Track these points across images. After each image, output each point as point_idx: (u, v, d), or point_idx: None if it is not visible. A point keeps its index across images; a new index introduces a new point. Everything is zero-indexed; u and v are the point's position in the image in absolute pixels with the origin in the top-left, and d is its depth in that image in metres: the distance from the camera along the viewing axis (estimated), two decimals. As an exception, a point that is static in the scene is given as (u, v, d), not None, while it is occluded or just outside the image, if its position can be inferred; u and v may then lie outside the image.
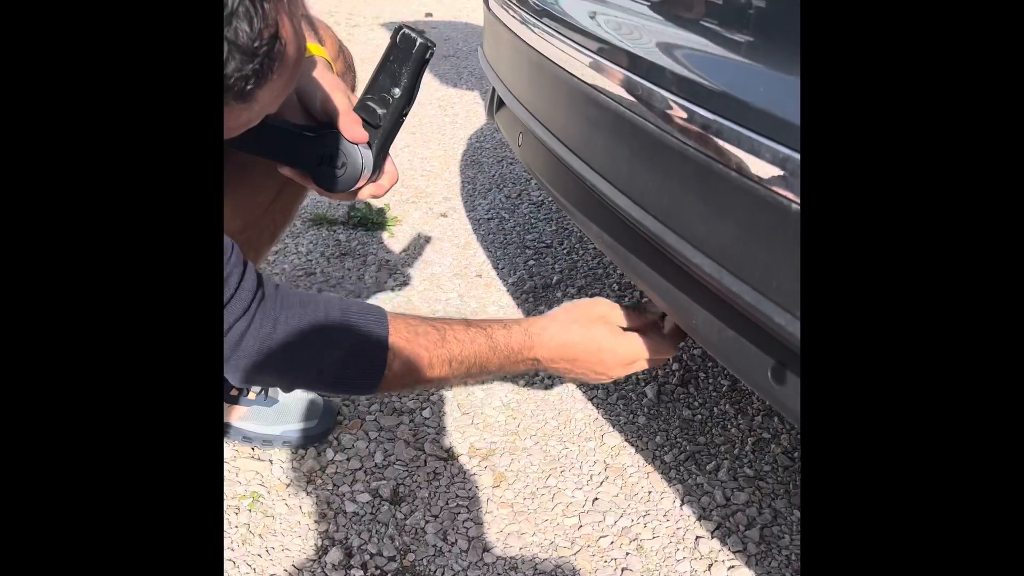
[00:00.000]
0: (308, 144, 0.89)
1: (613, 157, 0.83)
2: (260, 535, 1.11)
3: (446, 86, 3.14)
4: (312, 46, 0.96)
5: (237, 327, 0.80)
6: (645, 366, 1.01)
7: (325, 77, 0.93)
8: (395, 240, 1.94)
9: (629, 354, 0.98)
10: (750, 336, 0.69)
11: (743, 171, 0.64)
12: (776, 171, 0.60)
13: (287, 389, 0.91)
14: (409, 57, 0.87)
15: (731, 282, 0.66)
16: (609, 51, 0.84)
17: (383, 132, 0.90)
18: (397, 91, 0.88)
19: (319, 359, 0.85)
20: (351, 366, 0.86)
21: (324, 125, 0.90)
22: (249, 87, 0.64)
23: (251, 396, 1.25)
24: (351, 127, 0.89)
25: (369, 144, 0.90)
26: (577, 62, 0.89)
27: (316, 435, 1.26)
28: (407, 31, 0.87)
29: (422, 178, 2.31)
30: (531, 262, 1.85)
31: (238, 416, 1.24)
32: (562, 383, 1.43)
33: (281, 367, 0.83)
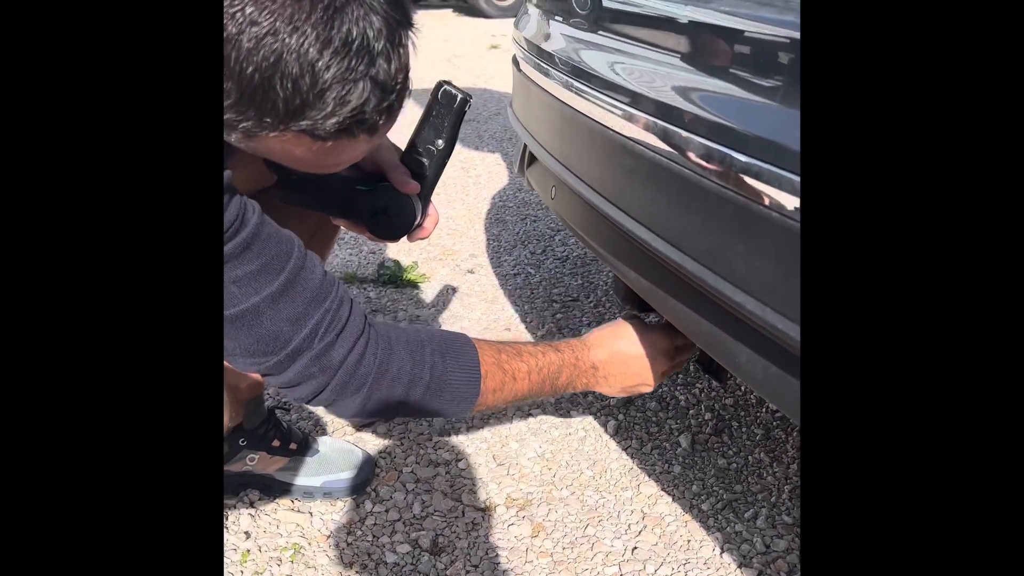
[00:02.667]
0: (364, 198, 0.95)
1: (650, 204, 0.86)
2: (302, 586, 1.11)
3: (468, 149, 3.21)
4: None
5: (358, 346, 0.82)
6: (679, 365, 1.10)
7: None
8: (424, 296, 1.98)
9: (665, 348, 1.06)
10: (795, 372, 0.70)
11: (783, 210, 0.66)
12: (816, 209, 0.63)
13: (396, 413, 0.91)
14: (450, 111, 0.93)
15: (775, 319, 0.68)
16: (642, 102, 0.87)
17: (428, 182, 0.95)
18: (440, 143, 0.93)
19: (430, 367, 0.87)
20: (454, 371, 0.88)
21: (374, 177, 0.95)
22: (381, 121, 0.69)
23: (292, 447, 1.26)
24: (402, 181, 0.94)
25: (417, 193, 0.95)
26: (610, 114, 0.93)
27: (356, 485, 1.27)
28: (448, 88, 0.92)
29: (448, 236, 2.35)
30: (559, 315, 1.87)
31: (278, 467, 1.26)
32: (595, 434, 1.44)
33: (400, 379, 0.85)
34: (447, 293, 1.99)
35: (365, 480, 1.29)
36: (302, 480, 1.25)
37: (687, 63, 0.86)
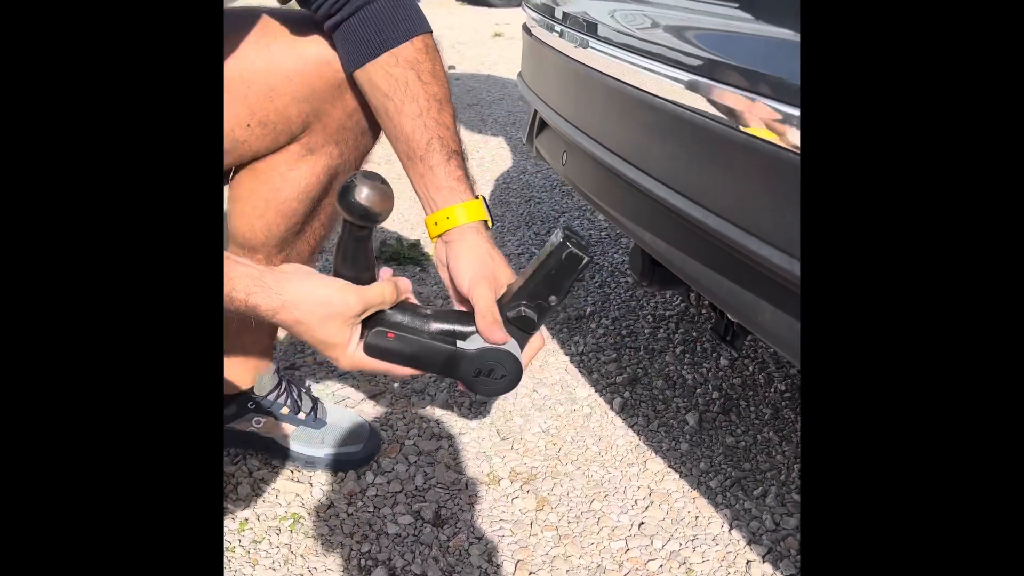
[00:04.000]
0: (468, 362, 0.87)
1: (670, 160, 0.83)
2: (302, 555, 1.09)
3: (472, 133, 3.18)
4: (471, 206, 0.92)
5: None
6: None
7: (478, 252, 0.90)
8: (427, 274, 1.95)
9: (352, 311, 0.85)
10: (822, 327, 0.68)
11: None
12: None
13: None
14: (572, 273, 0.85)
15: (802, 271, 0.66)
16: (662, 54, 0.85)
17: (535, 335, 0.89)
18: (554, 299, 0.86)
19: None
20: None
21: (467, 318, 0.88)
22: None
23: (300, 416, 1.24)
24: (491, 330, 0.85)
25: (520, 345, 0.88)
26: (627, 69, 0.90)
27: (360, 459, 1.25)
28: (573, 250, 0.84)
29: (451, 216, 2.32)
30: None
31: (284, 434, 1.23)
32: (601, 411, 1.41)
33: None
34: (450, 271, 1.96)
35: (369, 455, 1.26)
36: (307, 449, 1.23)
37: (711, 8, 0.83)
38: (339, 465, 1.23)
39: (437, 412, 1.40)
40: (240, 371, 1.22)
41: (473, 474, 1.25)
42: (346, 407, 1.38)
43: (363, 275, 0.83)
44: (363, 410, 1.39)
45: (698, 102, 0.77)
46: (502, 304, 0.88)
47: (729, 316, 0.92)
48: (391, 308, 0.83)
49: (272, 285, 0.79)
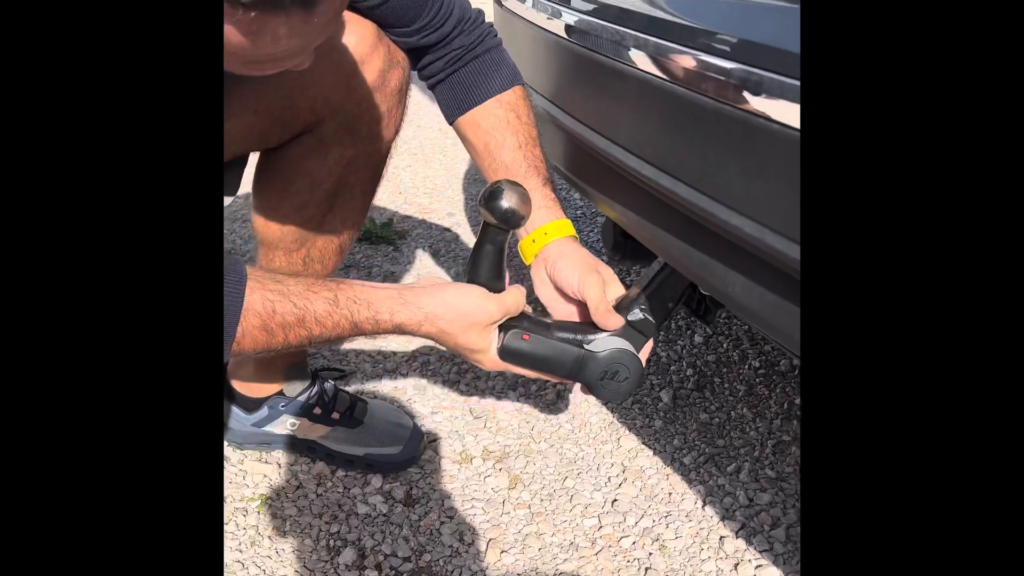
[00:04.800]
0: (597, 362, 0.89)
1: (640, 128, 0.81)
2: (269, 537, 1.07)
3: (446, 111, 3.15)
4: (564, 223, 0.98)
5: None
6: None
7: (580, 255, 0.95)
8: (400, 254, 1.92)
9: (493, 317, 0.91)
10: (794, 297, 0.67)
11: (784, 122, 0.62)
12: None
13: None
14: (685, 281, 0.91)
15: (774, 240, 0.64)
16: (629, 18, 0.83)
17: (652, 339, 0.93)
18: (671, 304, 0.92)
19: None
20: None
21: (587, 327, 0.92)
22: None
23: (335, 416, 1.20)
24: (605, 319, 0.90)
25: (637, 349, 0.91)
26: (595, 37, 0.88)
27: (400, 461, 1.19)
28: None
29: (425, 196, 2.29)
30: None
31: (320, 434, 1.20)
32: (574, 389, 1.40)
33: None
34: (423, 251, 1.94)
35: (411, 456, 1.20)
36: (345, 448, 1.19)
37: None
38: (378, 466, 1.18)
39: (409, 392, 1.38)
40: (270, 372, 1.19)
41: (445, 453, 1.24)
42: (397, 406, 1.33)
43: (497, 283, 0.90)
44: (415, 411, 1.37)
45: (667, 69, 0.76)
46: (619, 308, 0.92)
47: (701, 290, 0.90)
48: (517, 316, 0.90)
49: (412, 301, 0.86)
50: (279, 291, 0.82)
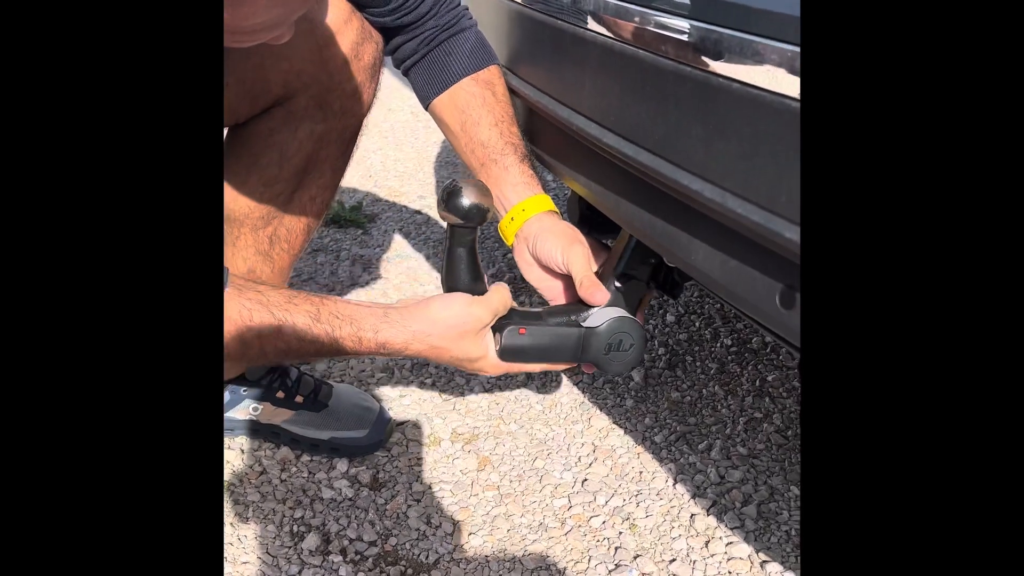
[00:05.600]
0: (598, 338, 0.88)
1: (601, 96, 0.79)
2: (231, 523, 1.04)
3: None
4: (543, 198, 0.98)
5: None
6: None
7: (562, 228, 0.94)
8: (369, 237, 1.89)
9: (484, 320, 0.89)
10: (755, 263, 0.65)
11: (743, 80, 0.60)
12: (782, 72, 0.57)
13: None
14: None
15: (735, 204, 0.62)
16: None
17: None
18: (653, 259, 0.91)
19: None
20: None
21: (578, 306, 0.91)
22: None
23: (298, 399, 1.17)
24: (592, 292, 0.89)
25: (633, 312, 0.91)
26: (558, 2, 0.86)
27: (367, 444, 1.16)
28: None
29: (395, 179, 2.26)
30: (509, 255, 1.80)
31: (284, 418, 1.16)
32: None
33: None
34: (393, 234, 1.91)
35: (378, 440, 1.17)
36: (310, 432, 1.16)
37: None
38: (343, 450, 1.16)
39: (377, 374, 1.36)
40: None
41: (413, 436, 1.21)
42: (364, 389, 1.30)
43: (477, 284, 0.87)
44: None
45: (625, 31, 0.73)
46: (605, 275, 0.91)
47: (666, 261, 0.89)
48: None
49: (397, 320, 0.84)
50: (258, 300, 0.80)
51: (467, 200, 0.81)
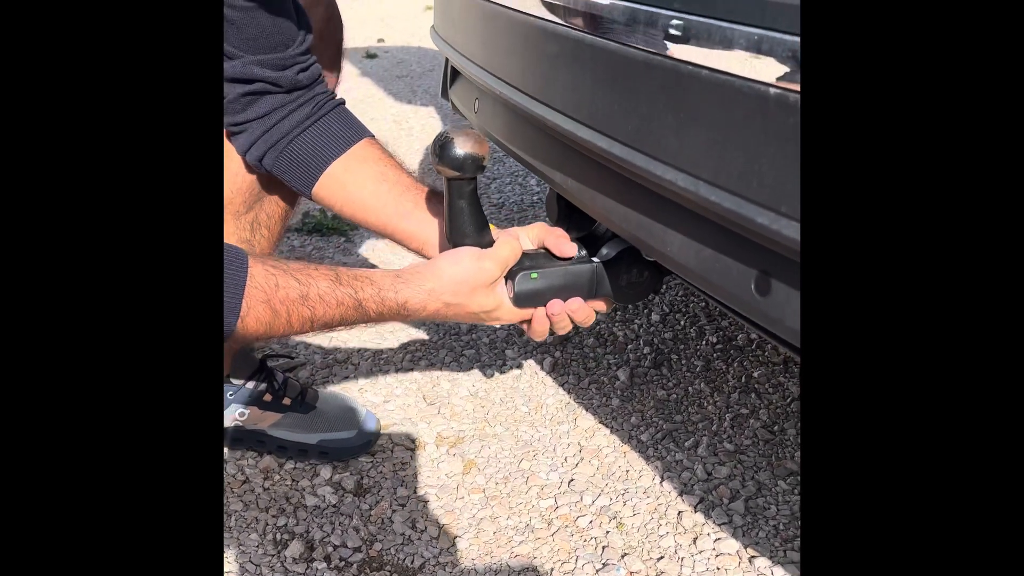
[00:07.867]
0: (612, 269, 0.87)
1: (574, 90, 0.79)
2: (213, 533, 1.03)
3: (401, 103, 3.11)
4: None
5: None
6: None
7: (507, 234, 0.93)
8: (352, 245, 1.88)
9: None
10: (729, 251, 0.64)
11: (711, 66, 0.60)
12: (751, 57, 0.56)
13: None
14: None
15: (708, 191, 0.62)
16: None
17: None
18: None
19: None
20: None
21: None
22: None
23: (286, 402, 1.16)
24: (559, 244, 0.89)
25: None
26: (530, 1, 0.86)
27: (356, 447, 1.15)
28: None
29: (378, 186, 2.25)
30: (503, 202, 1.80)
31: (271, 423, 1.15)
32: (531, 371, 1.38)
33: None
34: (376, 241, 1.90)
35: (367, 440, 1.16)
36: (298, 436, 1.14)
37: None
38: (332, 453, 1.14)
39: (361, 381, 1.34)
40: None
41: (398, 441, 1.20)
42: (349, 392, 1.29)
43: (483, 236, 0.86)
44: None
45: (594, 23, 0.73)
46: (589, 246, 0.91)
47: (644, 255, 0.88)
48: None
49: (413, 279, 0.83)
50: (280, 268, 0.80)
51: (460, 150, 0.79)
